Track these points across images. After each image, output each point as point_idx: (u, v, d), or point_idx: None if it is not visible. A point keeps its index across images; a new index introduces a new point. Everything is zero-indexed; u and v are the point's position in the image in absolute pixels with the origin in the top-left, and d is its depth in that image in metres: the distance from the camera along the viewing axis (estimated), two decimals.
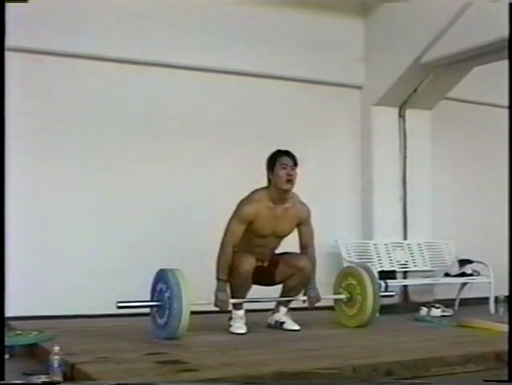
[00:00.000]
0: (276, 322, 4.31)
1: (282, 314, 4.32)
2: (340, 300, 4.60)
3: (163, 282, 3.93)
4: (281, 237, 4.29)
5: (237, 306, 4.21)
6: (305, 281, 4.28)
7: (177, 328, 3.81)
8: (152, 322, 4.05)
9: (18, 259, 4.76)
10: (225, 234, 4.14)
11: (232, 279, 4.16)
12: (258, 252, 4.21)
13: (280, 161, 4.14)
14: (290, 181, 4.12)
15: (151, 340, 3.81)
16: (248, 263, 4.09)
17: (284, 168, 4.11)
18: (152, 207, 5.92)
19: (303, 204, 4.32)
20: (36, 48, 5.53)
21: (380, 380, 2.96)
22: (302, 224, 4.33)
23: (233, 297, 4.21)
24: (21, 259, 5.10)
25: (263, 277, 4.24)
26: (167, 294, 3.86)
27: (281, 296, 4.36)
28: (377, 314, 4.51)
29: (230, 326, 4.15)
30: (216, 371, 2.85)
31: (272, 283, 4.34)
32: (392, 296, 4.76)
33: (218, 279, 4.08)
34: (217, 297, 4.04)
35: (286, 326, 4.24)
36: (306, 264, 4.26)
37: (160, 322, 3.95)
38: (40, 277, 5.51)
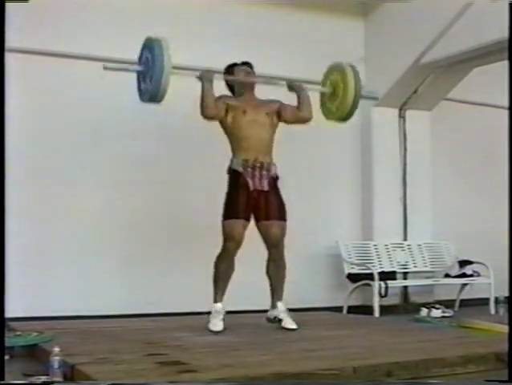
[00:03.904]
0: (275, 317, 4.32)
1: (281, 311, 4.32)
2: (325, 96, 4.68)
3: (148, 50, 4.12)
4: (267, 123, 4.31)
5: (217, 298, 4.21)
6: (280, 264, 4.32)
7: (157, 92, 4.02)
8: (137, 89, 4.27)
9: (18, 260, 4.76)
10: None
11: (217, 261, 4.20)
12: (253, 146, 4.25)
13: (237, 67, 4.41)
14: (250, 74, 4.38)
15: (151, 341, 3.81)
16: (238, 233, 4.14)
17: (241, 70, 4.39)
18: (153, 207, 5.94)
19: None
20: (36, 49, 5.55)
21: (381, 381, 2.96)
22: (282, 105, 4.42)
23: (215, 291, 4.21)
24: (21, 260, 5.11)
25: (253, 206, 4.26)
26: (151, 61, 4.05)
27: (271, 292, 4.37)
28: (354, 113, 4.55)
29: (209, 322, 4.13)
30: (216, 372, 2.84)
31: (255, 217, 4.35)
32: (376, 98, 4.85)
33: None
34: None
35: (283, 323, 4.24)
36: (277, 242, 4.27)
37: (143, 86, 4.18)
38: (40, 279, 5.52)
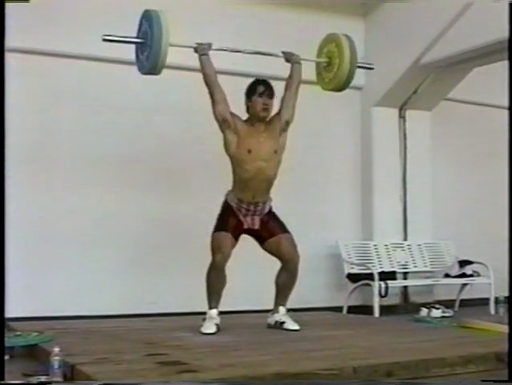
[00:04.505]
0: (276, 322, 4.30)
1: (281, 314, 4.31)
2: (320, 66, 4.68)
3: (147, 22, 4.15)
4: (273, 159, 4.20)
5: (211, 305, 4.21)
6: (294, 274, 4.27)
7: (156, 64, 4.04)
8: (135, 61, 4.30)
9: (18, 260, 4.76)
10: None
11: (208, 275, 4.17)
12: (252, 187, 4.16)
13: (258, 90, 4.28)
14: (266, 110, 4.25)
15: (151, 341, 3.81)
16: (227, 248, 4.10)
17: (261, 97, 4.25)
18: (153, 208, 5.94)
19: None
20: (37, 49, 5.55)
21: (381, 381, 2.96)
22: (279, 114, 4.32)
23: (209, 299, 4.18)
24: (21, 260, 5.11)
25: (249, 231, 4.24)
26: (149, 33, 4.08)
27: (276, 298, 4.34)
28: (350, 82, 4.52)
29: (202, 325, 4.12)
30: (216, 372, 2.84)
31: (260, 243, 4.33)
32: (371, 68, 4.86)
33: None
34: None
35: (286, 325, 4.23)
36: (292, 255, 4.23)
37: (142, 58, 4.20)
38: (40, 279, 5.52)
